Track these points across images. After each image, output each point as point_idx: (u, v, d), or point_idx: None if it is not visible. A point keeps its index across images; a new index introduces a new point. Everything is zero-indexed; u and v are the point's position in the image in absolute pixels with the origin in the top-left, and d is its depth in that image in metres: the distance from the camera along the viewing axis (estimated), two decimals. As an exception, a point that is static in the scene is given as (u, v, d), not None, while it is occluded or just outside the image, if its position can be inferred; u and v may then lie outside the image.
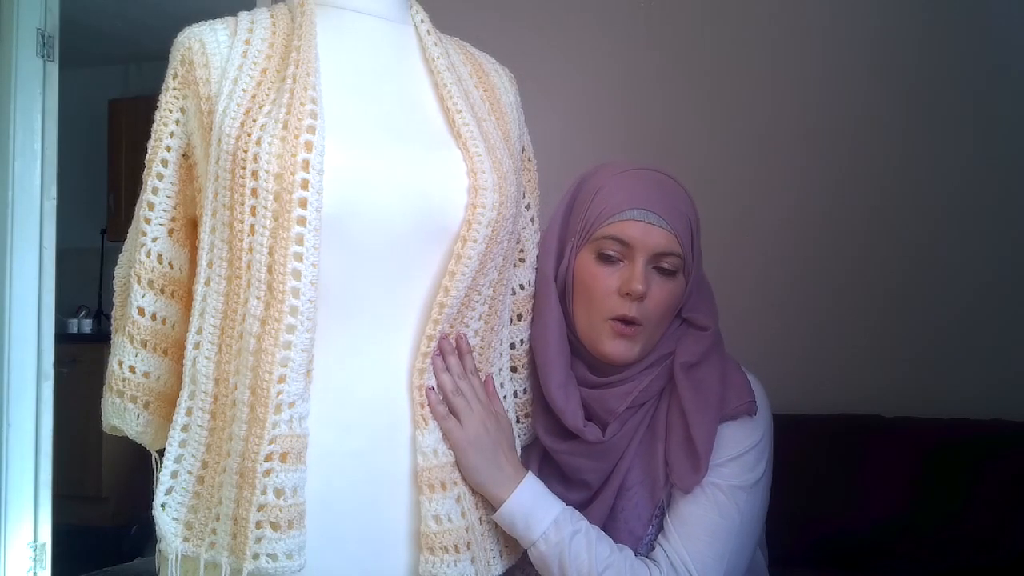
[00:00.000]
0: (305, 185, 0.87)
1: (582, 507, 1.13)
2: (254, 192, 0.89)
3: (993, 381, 1.88)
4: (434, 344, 0.97)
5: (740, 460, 1.15)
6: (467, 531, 0.97)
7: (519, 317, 1.15)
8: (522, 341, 1.15)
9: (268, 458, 0.87)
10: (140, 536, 3.49)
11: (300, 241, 0.87)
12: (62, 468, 2.76)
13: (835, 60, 2.05)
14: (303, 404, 0.89)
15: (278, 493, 0.86)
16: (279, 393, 0.87)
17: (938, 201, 1.95)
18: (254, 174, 0.88)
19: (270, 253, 0.88)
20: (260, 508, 0.86)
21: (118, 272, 1.07)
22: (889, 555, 1.73)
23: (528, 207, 1.16)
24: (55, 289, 2.64)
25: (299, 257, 0.87)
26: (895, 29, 2.01)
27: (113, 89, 4.79)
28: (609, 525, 1.14)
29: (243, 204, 0.89)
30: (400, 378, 0.98)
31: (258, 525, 0.86)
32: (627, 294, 1.10)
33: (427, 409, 0.97)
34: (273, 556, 0.86)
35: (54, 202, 2.63)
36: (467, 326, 1.02)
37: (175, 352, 0.99)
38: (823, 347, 2.01)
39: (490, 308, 1.05)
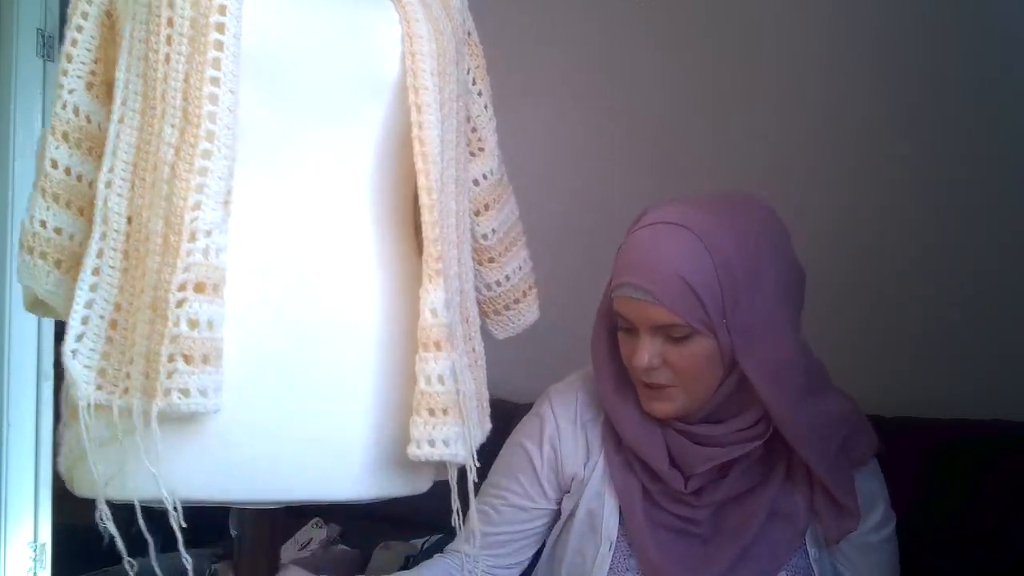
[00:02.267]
0: (223, 10, 0.86)
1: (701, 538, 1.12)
2: (170, 21, 0.87)
3: (993, 381, 1.87)
4: (435, 195, 0.93)
5: (887, 503, 1.20)
6: (457, 395, 0.92)
7: (486, 207, 1.12)
8: (493, 231, 1.12)
9: (182, 287, 0.83)
10: (140, 536, 3.49)
11: (217, 65, 0.85)
12: (62, 468, 2.76)
13: (838, 57, 2.05)
14: (220, 235, 0.85)
15: (192, 324, 0.82)
16: (194, 220, 0.84)
17: (939, 201, 1.95)
18: (170, 3, 0.87)
19: (186, 80, 0.86)
20: (172, 340, 0.82)
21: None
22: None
23: (480, 94, 1.12)
24: (55, 289, 2.63)
25: (216, 82, 0.85)
26: (899, 28, 2.01)
27: (113, 89, 4.79)
28: (740, 558, 1.11)
29: (158, 34, 0.87)
30: (332, 228, 0.94)
31: (170, 358, 0.81)
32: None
33: (442, 264, 0.93)
34: (185, 391, 0.81)
35: (54, 202, 2.62)
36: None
37: (91, 212, 0.94)
38: (823, 347, 2.00)
39: (457, 187, 1.01)
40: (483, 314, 1.13)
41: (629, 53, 2.23)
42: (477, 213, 1.12)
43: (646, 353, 1.06)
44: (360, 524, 2.31)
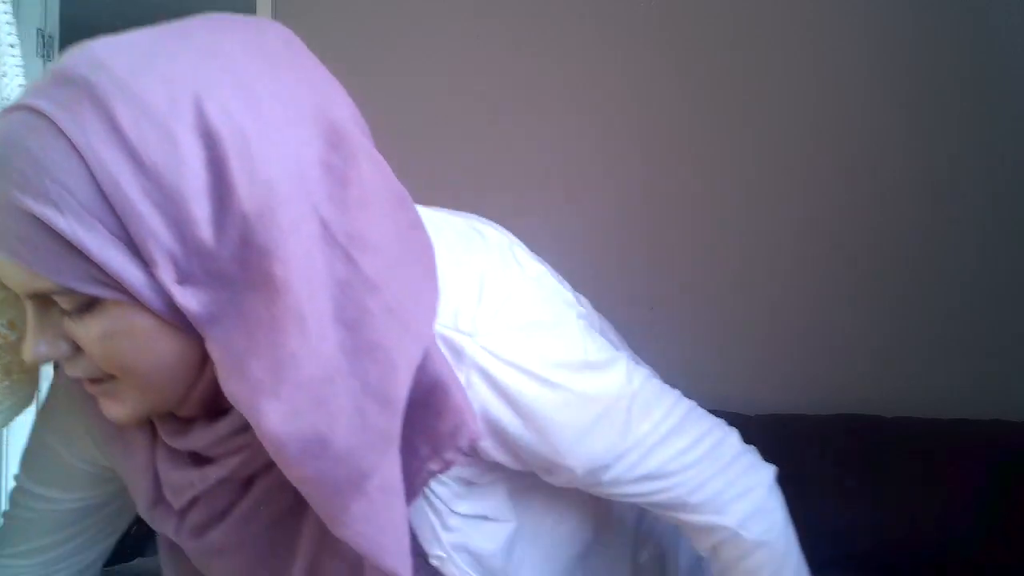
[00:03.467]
0: None
1: None
2: None
3: (993, 381, 1.87)
4: None
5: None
6: None
7: None
8: None
9: None
10: (140, 536, 3.49)
11: None
12: (62, 468, 2.75)
13: (842, 57, 2.05)
14: None
15: None
16: None
17: (940, 201, 1.95)
18: None
19: None
20: None
21: None
22: (888, 556, 1.73)
23: None
24: (55, 289, 2.62)
25: None
26: (906, 29, 2.01)
27: (113, 89, 4.78)
28: None
29: None
30: None
31: None
32: None
33: None
34: None
35: (54, 202, 2.61)
36: None
37: None
38: (823, 347, 2.01)
39: None
40: None
41: (629, 54, 2.23)
42: None
43: (32, 341, 0.63)
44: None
